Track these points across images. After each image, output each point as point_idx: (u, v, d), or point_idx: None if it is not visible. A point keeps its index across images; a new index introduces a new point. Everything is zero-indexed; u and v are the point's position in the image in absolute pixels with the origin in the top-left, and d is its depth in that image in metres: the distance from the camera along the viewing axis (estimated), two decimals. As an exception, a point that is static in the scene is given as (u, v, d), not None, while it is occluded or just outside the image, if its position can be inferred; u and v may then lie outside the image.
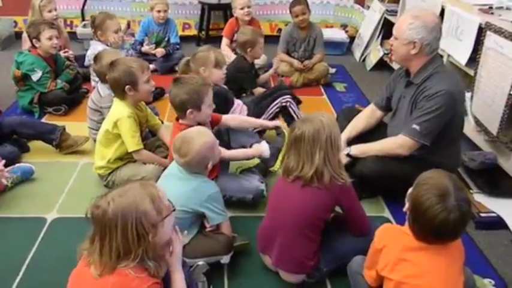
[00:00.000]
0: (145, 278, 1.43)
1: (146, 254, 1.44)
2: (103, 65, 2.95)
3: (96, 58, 3.08)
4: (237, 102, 3.14)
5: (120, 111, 2.59)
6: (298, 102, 3.35)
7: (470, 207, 1.55)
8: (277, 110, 3.17)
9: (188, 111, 2.36)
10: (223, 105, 2.87)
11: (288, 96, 3.19)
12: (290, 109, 3.18)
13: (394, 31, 2.47)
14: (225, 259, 2.07)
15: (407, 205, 1.63)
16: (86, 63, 3.74)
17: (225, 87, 3.09)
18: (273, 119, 3.16)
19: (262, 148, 2.59)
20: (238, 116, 2.81)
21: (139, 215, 1.41)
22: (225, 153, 2.43)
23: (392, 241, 1.65)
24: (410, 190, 1.64)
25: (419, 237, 1.58)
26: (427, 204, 1.50)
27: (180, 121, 2.43)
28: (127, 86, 2.55)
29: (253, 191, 2.50)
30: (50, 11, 4.15)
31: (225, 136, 2.71)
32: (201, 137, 2.07)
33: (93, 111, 3.03)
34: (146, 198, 1.44)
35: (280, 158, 2.56)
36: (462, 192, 1.53)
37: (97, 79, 3.18)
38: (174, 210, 1.55)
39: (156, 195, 1.48)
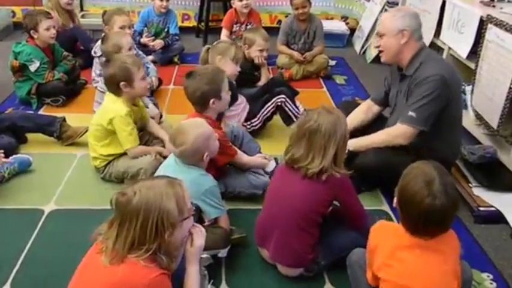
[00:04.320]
0: (154, 268, 1.44)
1: (159, 249, 1.45)
2: (109, 44, 3.04)
3: (104, 39, 3.14)
4: (242, 99, 3.18)
5: (116, 108, 2.57)
6: (295, 93, 3.35)
7: (456, 193, 1.56)
8: (273, 109, 3.19)
9: (210, 102, 2.39)
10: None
11: (282, 96, 3.18)
12: (286, 107, 3.18)
13: (380, 29, 2.51)
14: (223, 253, 2.06)
15: (395, 199, 1.63)
16: (93, 53, 3.68)
17: (234, 82, 3.13)
18: (269, 117, 3.20)
19: (269, 163, 2.65)
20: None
21: (162, 212, 1.43)
22: (243, 158, 2.54)
23: (384, 240, 1.64)
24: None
25: (409, 228, 1.58)
26: (412, 190, 1.53)
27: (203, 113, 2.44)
28: (122, 83, 2.54)
29: (262, 187, 2.50)
30: None
31: (237, 141, 2.76)
32: (197, 127, 2.07)
33: (102, 95, 2.99)
34: (172, 197, 1.46)
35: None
36: (447, 178, 1.55)
37: (98, 72, 3.20)
38: (194, 214, 1.56)
39: (182, 196, 1.50)
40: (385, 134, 2.50)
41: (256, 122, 3.18)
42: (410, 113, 2.38)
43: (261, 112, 3.18)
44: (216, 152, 2.20)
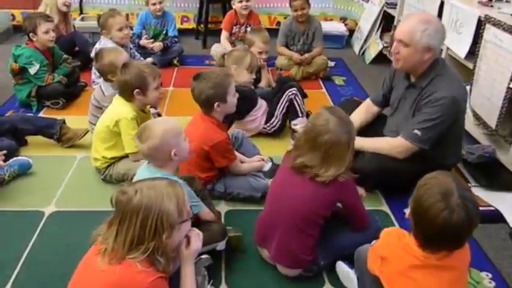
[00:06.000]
0: (151, 272, 1.44)
1: (157, 250, 1.45)
2: (104, 63, 2.98)
3: (97, 56, 3.08)
4: (261, 102, 3.25)
5: (124, 110, 2.58)
6: (304, 96, 3.37)
7: (477, 208, 1.41)
8: (287, 103, 3.22)
9: (215, 105, 2.41)
10: (247, 105, 3.11)
11: (294, 88, 3.23)
12: (295, 102, 3.21)
13: (404, 38, 2.31)
14: (221, 245, 2.06)
15: (408, 210, 1.52)
16: (92, 55, 3.68)
17: (252, 87, 3.23)
18: (286, 113, 3.22)
19: (265, 165, 2.69)
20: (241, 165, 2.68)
21: (162, 212, 1.44)
22: (240, 166, 2.56)
23: (394, 256, 1.55)
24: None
25: (422, 244, 1.48)
26: (428, 203, 1.41)
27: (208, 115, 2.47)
28: (136, 90, 2.55)
29: (261, 189, 2.50)
30: None
31: (237, 143, 2.79)
32: (165, 123, 2.01)
33: (95, 108, 3.01)
34: (173, 198, 1.47)
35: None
36: (467, 192, 1.43)
37: (98, 73, 3.17)
38: (192, 217, 1.57)
39: (182, 197, 1.50)
40: (385, 143, 2.50)
41: (276, 121, 3.21)
42: (416, 131, 2.35)
43: (277, 109, 3.21)
44: (186, 154, 2.07)
